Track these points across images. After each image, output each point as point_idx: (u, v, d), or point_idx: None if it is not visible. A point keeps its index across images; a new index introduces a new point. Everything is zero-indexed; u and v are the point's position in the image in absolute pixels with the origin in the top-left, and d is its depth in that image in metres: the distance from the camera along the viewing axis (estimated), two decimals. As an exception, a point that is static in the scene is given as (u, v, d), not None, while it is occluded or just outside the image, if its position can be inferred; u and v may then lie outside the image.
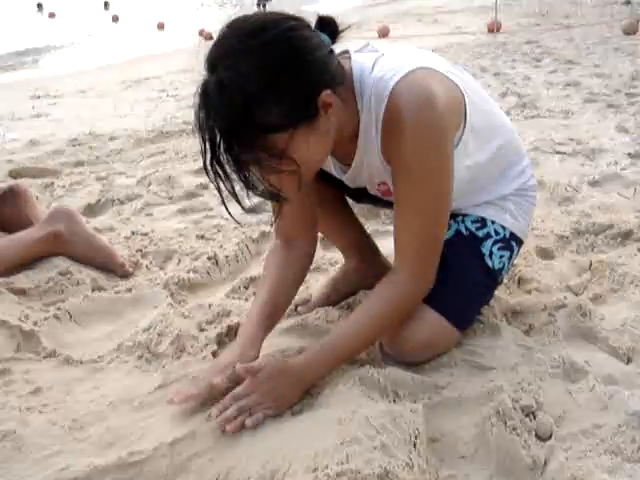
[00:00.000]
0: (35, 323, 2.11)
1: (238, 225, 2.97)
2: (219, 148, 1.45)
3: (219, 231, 2.94)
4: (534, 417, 1.53)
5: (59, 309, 2.19)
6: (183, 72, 9.05)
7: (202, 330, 2.09)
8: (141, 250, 2.73)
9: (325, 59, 1.53)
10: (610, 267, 2.26)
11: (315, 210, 1.96)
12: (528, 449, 1.42)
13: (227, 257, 2.58)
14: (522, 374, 1.68)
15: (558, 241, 2.60)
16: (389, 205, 1.93)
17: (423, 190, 1.63)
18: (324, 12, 1.63)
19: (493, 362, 1.76)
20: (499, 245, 1.91)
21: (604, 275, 2.24)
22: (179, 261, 2.63)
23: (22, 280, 2.35)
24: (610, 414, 1.52)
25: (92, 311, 2.22)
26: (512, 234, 1.94)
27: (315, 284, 2.33)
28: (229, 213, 1.63)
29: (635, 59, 7.17)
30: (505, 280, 2.18)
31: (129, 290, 2.36)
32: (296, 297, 2.18)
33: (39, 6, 35.19)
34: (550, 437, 1.49)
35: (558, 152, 3.93)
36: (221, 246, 2.72)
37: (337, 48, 1.62)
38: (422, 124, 1.57)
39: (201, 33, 14.86)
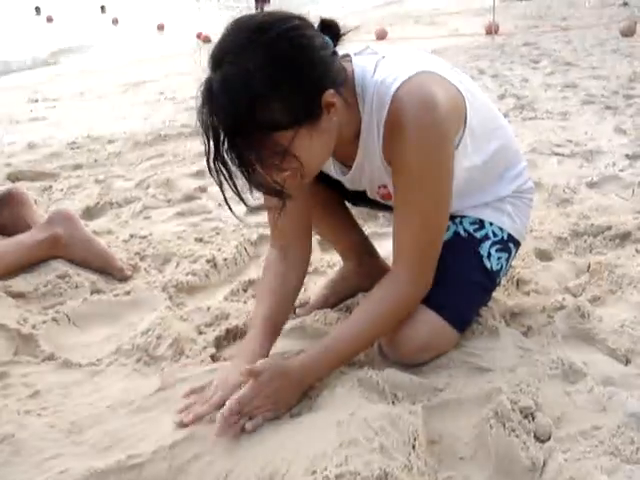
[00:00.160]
0: (33, 326, 2.10)
1: (238, 226, 2.98)
2: (223, 145, 1.45)
3: (217, 234, 2.94)
4: (533, 418, 1.53)
5: (58, 312, 2.19)
6: (181, 75, 9.05)
7: (201, 333, 2.09)
8: (139, 253, 2.73)
9: (328, 59, 1.53)
10: (608, 268, 2.26)
11: (309, 217, 1.96)
12: (527, 450, 1.42)
13: (226, 260, 2.58)
14: (521, 375, 1.68)
15: (556, 242, 2.60)
16: (386, 208, 1.94)
17: (424, 192, 1.63)
18: (326, 15, 1.63)
19: (492, 364, 1.76)
20: (497, 247, 1.91)
21: (602, 276, 2.24)
22: (177, 264, 2.63)
23: (20, 283, 2.35)
24: (609, 415, 1.52)
25: (91, 314, 2.22)
26: (510, 236, 1.94)
27: (313, 286, 2.33)
28: (231, 211, 1.63)
29: (633, 61, 7.18)
30: (503, 282, 2.19)
31: (128, 293, 2.36)
32: (294, 299, 2.19)
33: (37, 10, 35.18)
34: (549, 438, 1.49)
35: (556, 154, 3.93)
36: (219, 249, 2.72)
37: (337, 51, 1.63)
38: (424, 127, 1.57)
39: (199, 36, 14.87)
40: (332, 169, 1.88)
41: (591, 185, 3.32)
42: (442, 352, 1.81)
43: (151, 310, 2.22)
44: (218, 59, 1.45)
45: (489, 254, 1.89)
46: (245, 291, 2.38)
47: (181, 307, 2.28)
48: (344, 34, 1.61)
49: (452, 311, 1.81)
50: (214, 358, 1.94)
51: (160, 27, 20.08)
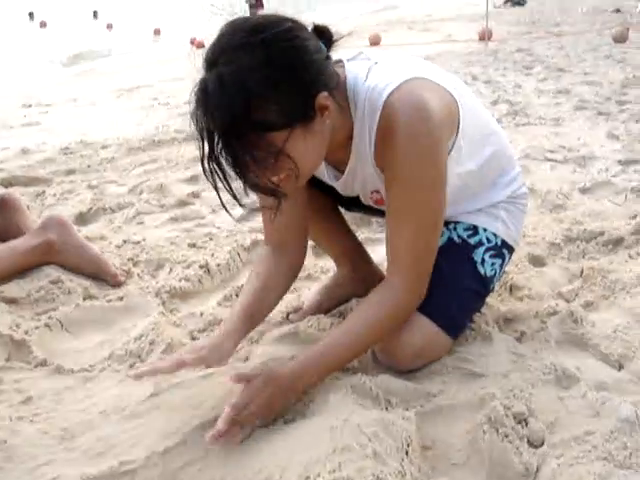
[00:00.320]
0: (26, 332, 2.10)
1: (231, 232, 2.98)
2: (217, 146, 1.45)
3: (211, 239, 2.94)
4: (526, 424, 1.53)
5: (50, 318, 2.18)
6: (175, 80, 9.05)
7: (194, 339, 2.09)
8: (133, 259, 2.72)
9: (322, 63, 1.54)
10: (601, 274, 2.27)
11: (305, 218, 1.95)
12: (520, 456, 1.42)
13: (219, 265, 2.58)
14: (514, 381, 1.68)
15: (549, 248, 2.61)
16: (380, 213, 1.94)
17: (417, 199, 1.63)
18: (319, 21, 1.63)
19: (485, 369, 1.76)
20: (491, 253, 1.91)
21: (595, 282, 2.25)
22: (171, 270, 2.62)
23: (13, 289, 2.34)
24: (602, 421, 1.52)
25: (83, 320, 2.22)
26: (504, 242, 1.94)
27: (307, 292, 2.33)
28: (227, 211, 1.64)
29: (625, 67, 7.21)
30: (497, 287, 2.19)
31: (120, 299, 2.35)
32: (288, 305, 2.19)
33: (30, 15, 35.17)
34: (542, 444, 1.49)
35: (549, 159, 3.94)
36: (213, 254, 2.72)
37: (331, 55, 1.63)
38: (416, 134, 1.57)
39: (193, 42, 14.87)
40: (325, 174, 1.88)
41: (584, 191, 3.32)
42: (435, 358, 1.81)
43: (144, 316, 2.21)
44: (212, 60, 1.45)
45: (483, 260, 1.90)
46: (238, 297, 2.37)
47: (174, 313, 2.28)
48: (337, 40, 1.61)
49: (446, 317, 1.81)
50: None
51: (156, 32, 20.07)
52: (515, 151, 3.99)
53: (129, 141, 5.07)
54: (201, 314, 2.22)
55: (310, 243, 2.67)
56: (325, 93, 1.51)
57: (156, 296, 2.35)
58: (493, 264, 1.91)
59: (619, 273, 2.27)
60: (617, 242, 2.57)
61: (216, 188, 1.51)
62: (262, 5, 19.84)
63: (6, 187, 3.84)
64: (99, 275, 2.51)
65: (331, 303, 2.18)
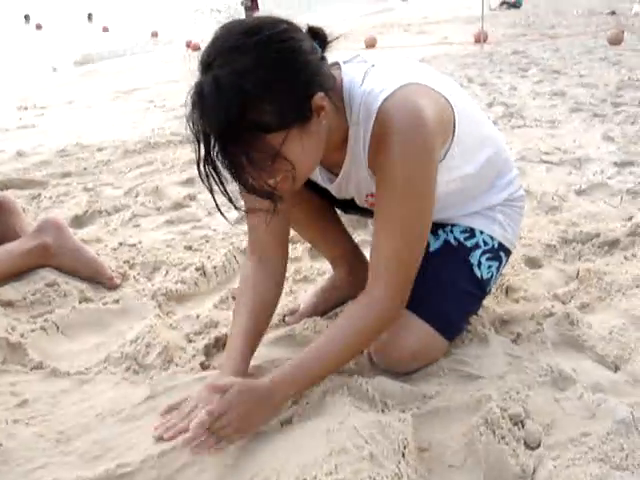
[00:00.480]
0: (22, 335, 2.09)
1: (227, 234, 2.98)
2: (213, 149, 1.45)
3: (207, 242, 2.94)
4: (522, 426, 1.53)
5: (46, 321, 2.18)
6: (171, 83, 9.04)
7: (190, 341, 2.09)
8: (129, 261, 2.72)
9: (317, 64, 1.53)
10: (597, 275, 2.27)
11: (288, 228, 1.94)
12: (517, 458, 1.42)
13: (215, 268, 2.58)
14: (510, 383, 1.68)
15: (545, 250, 2.61)
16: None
17: (406, 207, 1.61)
18: (313, 23, 1.63)
19: (481, 371, 1.76)
20: (487, 255, 1.91)
21: (591, 284, 2.25)
22: (167, 272, 2.62)
23: (9, 292, 2.34)
24: (598, 422, 1.52)
25: (79, 323, 2.21)
26: (500, 244, 1.94)
27: (303, 294, 2.33)
28: (222, 213, 1.63)
29: (620, 69, 7.22)
30: (493, 289, 2.19)
31: (116, 301, 2.35)
32: (284, 307, 2.19)
33: (26, 18, 35.12)
34: (539, 446, 1.49)
35: (545, 161, 3.94)
36: (209, 257, 2.72)
37: (326, 57, 1.63)
38: (409, 141, 1.56)
39: (188, 45, 14.86)
40: (319, 177, 1.87)
41: (580, 192, 3.33)
42: (432, 360, 1.81)
43: (140, 318, 2.21)
44: (208, 62, 1.45)
45: (479, 263, 1.90)
46: (234, 299, 2.37)
47: (170, 315, 2.28)
48: (331, 41, 1.61)
49: (442, 320, 1.81)
50: (203, 366, 1.93)
51: (154, 34, 20.03)
52: (511, 153, 4.00)
53: (125, 144, 5.07)
54: (197, 316, 2.22)
55: (306, 245, 2.68)
56: (321, 94, 1.51)
57: (152, 299, 2.35)
58: (490, 267, 1.91)
59: (615, 275, 2.27)
60: (613, 244, 2.58)
61: (212, 191, 1.51)
62: (257, 7, 19.84)
63: (2, 190, 3.83)
64: (95, 278, 2.51)
65: (327, 305, 2.18)
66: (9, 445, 1.56)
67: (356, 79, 1.65)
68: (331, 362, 1.64)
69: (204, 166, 1.48)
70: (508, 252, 2.00)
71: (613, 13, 15.38)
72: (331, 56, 1.63)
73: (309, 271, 2.54)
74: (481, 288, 1.93)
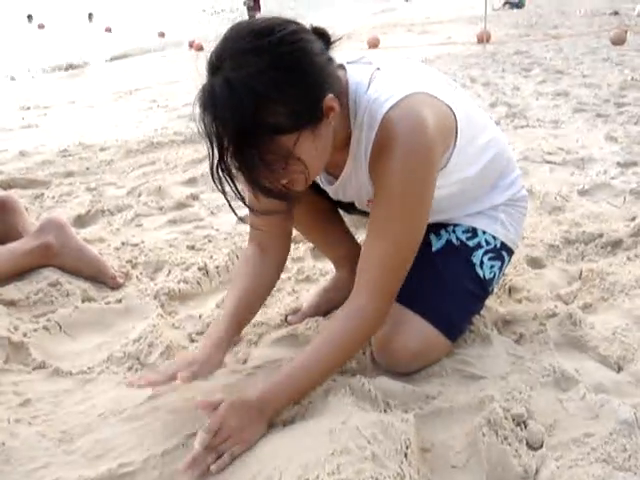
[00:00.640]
0: (24, 334, 2.09)
1: (230, 234, 2.98)
2: (227, 151, 1.44)
3: (209, 241, 2.94)
4: (525, 426, 1.53)
5: (49, 320, 2.18)
6: (174, 83, 9.06)
7: (192, 341, 2.09)
8: (131, 261, 2.72)
9: (327, 64, 1.53)
10: (600, 276, 2.27)
11: (291, 219, 1.95)
12: (519, 458, 1.42)
13: (217, 267, 2.58)
14: (513, 383, 1.68)
15: (548, 250, 2.61)
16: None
17: (400, 216, 1.61)
18: (316, 23, 1.62)
19: (484, 371, 1.76)
20: (490, 255, 1.91)
21: (594, 284, 2.25)
22: (169, 272, 2.62)
23: (11, 291, 2.34)
24: (601, 423, 1.52)
25: (82, 322, 2.21)
26: (503, 244, 1.94)
27: (306, 294, 2.33)
28: (235, 213, 1.64)
29: (624, 69, 7.21)
30: (496, 289, 2.19)
31: (119, 301, 2.35)
32: (287, 307, 2.19)
33: (29, 17, 35.17)
34: (541, 446, 1.48)
35: (548, 162, 3.94)
36: (211, 256, 2.72)
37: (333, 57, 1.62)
38: (411, 152, 1.56)
39: (191, 45, 14.87)
40: (318, 177, 1.87)
41: (583, 193, 3.32)
42: (434, 360, 1.81)
43: (143, 318, 2.21)
44: (218, 64, 1.44)
45: (482, 262, 1.89)
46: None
47: (173, 315, 2.28)
48: (335, 42, 1.61)
49: (444, 320, 1.80)
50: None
51: (161, 35, 20.02)
52: (514, 153, 4.00)
53: (128, 143, 5.07)
54: (200, 316, 2.22)
55: (309, 245, 2.68)
56: (331, 95, 1.51)
57: (155, 298, 2.35)
58: (492, 266, 1.91)
59: (618, 275, 2.27)
60: (616, 244, 2.57)
61: (224, 193, 1.50)
62: (259, 7, 19.85)
63: (5, 189, 3.84)
64: (98, 277, 2.51)
65: (330, 305, 2.18)
66: (11, 444, 1.56)
67: (362, 83, 1.65)
68: (319, 372, 1.63)
69: (217, 169, 1.47)
70: (511, 252, 1.99)
71: (616, 13, 15.38)
72: (334, 57, 1.63)
73: (312, 271, 2.54)
74: (483, 288, 1.92)
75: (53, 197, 3.74)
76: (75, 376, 1.92)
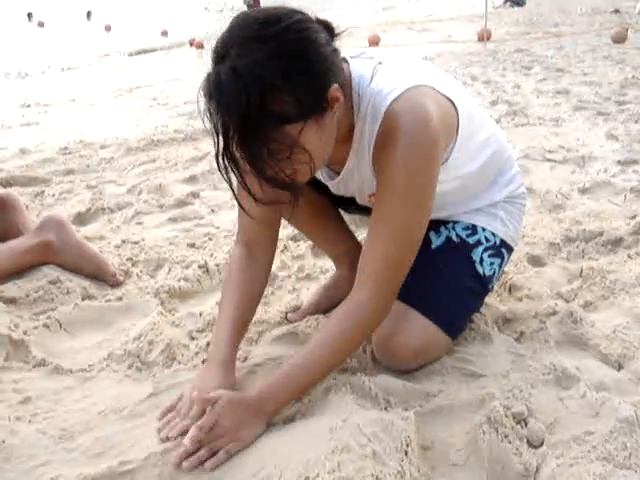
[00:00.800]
0: (25, 332, 2.10)
1: (230, 232, 2.98)
2: (232, 139, 1.43)
3: (210, 239, 2.94)
4: (526, 424, 1.53)
5: (49, 318, 2.18)
6: (174, 81, 9.05)
7: (193, 339, 2.09)
8: (132, 259, 2.72)
9: (332, 54, 1.53)
10: (601, 274, 2.27)
11: (279, 216, 1.94)
12: (520, 456, 1.42)
13: (218, 265, 2.58)
14: (513, 381, 1.68)
15: (549, 248, 2.61)
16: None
17: (403, 209, 1.60)
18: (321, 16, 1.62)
19: (484, 369, 1.76)
20: (490, 252, 1.91)
21: (595, 282, 2.25)
22: (170, 269, 2.62)
23: (12, 289, 2.34)
24: (601, 421, 1.52)
25: (82, 320, 2.21)
26: (502, 241, 1.94)
27: (306, 292, 2.33)
28: (240, 206, 1.64)
29: (624, 67, 7.21)
30: (496, 287, 2.19)
31: (119, 299, 2.35)
32: (287, 305, 2.19)
33: (29, 15, 35.11)
34: (542, 444, 1.49)
35: (548, 160, 3.94)
36: (212, 254, 2.72)
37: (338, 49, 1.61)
38: (415, 145, 1.56)
39: (191, 43, 14.85)
40: (320, 172, 1.87)
41: (583, 191, 3.32)
42: (435, 358, 1.81)
43: (143, 316, 2.21)
44: (223, 53, 1.43)
45: (482, 259, 1.89)
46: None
47: (173, 313, 2.28)
48: (339, 34, 1.60)
49: (445, 317, 1.80)
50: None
51: (164, 33, 19.95)
52: (514, 151, 3.99)
53: (128, 141, 5.07)
54: (200, 314, 2.22)
55: (310, 243, 2.68)
56: (336, 85, 1.50)
57: (155, 296, 2.35)
58: (492, 263, 1.91)
59: (618, 273, 2.27)
60: (616, 242, 2.57)
61: (229, 182, 1.50)
62: (259, 5, 19.84)
63: (5, 187, 3.83)
64: (98, 275, 2.51)
65: (330, 303, 2.17)
66: (12, 442, 1.56)
67: (365, 76, 1.65)
68: (318, 369, 1.62)
69: (223, 158, 1.46)
70: (510, 249, 2.00)
71: (617, 11, 15.36)
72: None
73: (312, 269, 2.54)
74: (483, 285, 1.92)
75: (53, 195, 3.74)
76: (75, 374, 1.92)
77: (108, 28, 24.06)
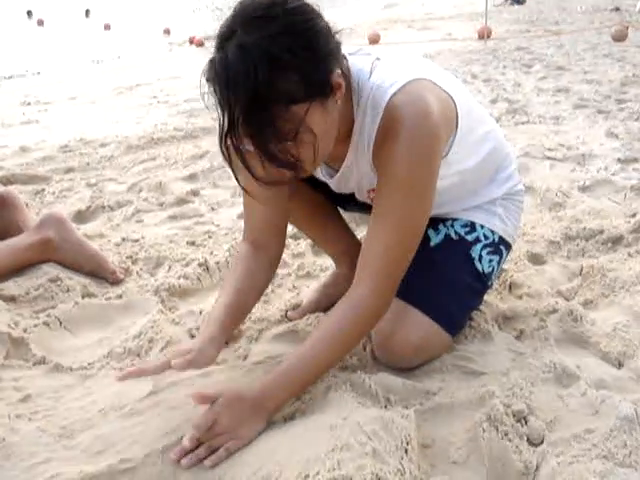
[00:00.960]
0: (25, 330, 2.10)
1: (230, 229, 2.98)
2: (238, 120, 1.41)
3: (210, 237, 2.94)
4: (526, 422, 1.53)
5: (49, 316, 2.18)
6: (174, 78, 9.05)
7: (193, 336, 2.09)
8: (132, 256, 2.72)
9: (334, 42, 1.52)
10: (601, 272, 2.27)
11: (286, 216, 1.93)
12: (520, 454, 1.42)
13: (217, 263, 2.58)
14: (514, 379, 1.68)
15: (549, 246, 2.61)
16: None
17: (405, 201, 1.60)
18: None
19: (485, 367, 1.76)
20: (488, 249, 1.91)
21: (595, 280, 2.25)
22: (169, 267, 2.62)
23: (11, 287, 2.34)
24: (602, 419, 1.51)
25: (82, 318, 2.21)
26: (501, 238, 1.95)
27: (306, 290, 2.33)
28: (243, 188, 1.64)
29: (625, 65, 7.21)
30: (496, 285, 2.19)
31: (119, 297, 2.36)
32: (287, 303, 2.18)
33: (29, 13, 35.08)
34: (542, 442, 1.48)
35: (548, 158, 3.94)
36: (211, 252, 2.72)
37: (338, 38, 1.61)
38: (416, 137, 1.56)
39: (192, 41, 14.84)
40: (319, 170, 1.87)
41: (583, 189, 3.33)
42: (435, 355, 1.81)
43: (143, 314, 2.21)
44: (229, 35, 1.41)
45: (480, 257, 1.90)
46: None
47: (173, 311, 2.28)
48: (337, 32, 1.59)
49: (444, 314, 1.81)
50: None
51: (166, 32, 19.91)
52: (514, 149, 4.00)
53: (128, 139, 5.07)
54: (200, 312, 2.22)
55: (310, 241, 2.68)
56: (339, 71, 1.50)
57: (155, 294, 2.35)
58: (491, 260, 1.91)
59: (618, 271, 2.27)
60: (616, 240, 2.57)
61: (230, 163, 1.49)
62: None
63: (5, 185, 3.82)
64: (98, 272, 2.51)
65: (330, 301, 2.17)
66: (12, 440, 1.56)
67: (364, 71, 1.65)
68: (320, 365, 1.62)
69: (227, 137, 1.44)
70: (508, 246, 2.00)
71: (617, 9, 15.36)
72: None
73: (312, 267, 2.54)
74: (482, 282, 1.92)
75: (53, 193, 3.74)
76: (75, 372, 1.92)
77: (107, 27, 24.03)
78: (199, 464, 1.44)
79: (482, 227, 1.92)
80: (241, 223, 2.94)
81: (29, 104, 7.54)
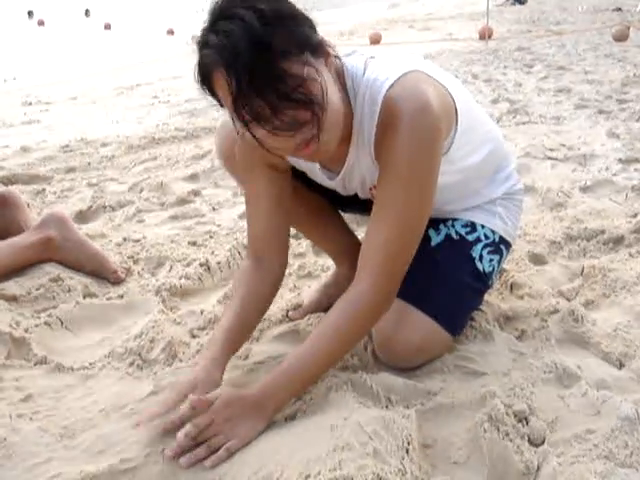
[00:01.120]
0: (26, 330, 2.10)
1: (231, 230, 2.98)
2: (244, 84, 1.37)
3: (211, 237, 2.94)
4: (527, 422, 1.53)
5: (50, 316, 2.18)
6: (176, 78, 9.05)
7: (194, 337, 2.09)
8: (133, 257, 2.72)
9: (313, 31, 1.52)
10: (602, 272, 2.27)
11: (288, 230, 1.93)
12: (521, 454, 1.41)
13: (219, 263, 2.58)
14: (515, 379, 1.68)
15: (550, 246, 2.60)
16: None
17: (407, 194, 1.59)
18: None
19: (486, 368, 1.76)
20: (489, 249, 1.91)
21: (596, 280, 2.25)
22: (171, 267, 2.62)
23: (13, 286, 2.34)
24: (603, 419, 1.51)
25: (83, 318, 2.21)
26: (501, 238, 1.95)
27: (307, 290, 2.33)
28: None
29: (626, 65, 7.21)
30: (497, 285, 2.19)
31: (121, 297, 2.36)
32: (288, 303, 2.18)
33: (29, 14, 35.10)
34: (543, 442, 1.48)
35: (550, 158, 3.94)
36: (213, 252, 2.72)
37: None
38: (417, 128, 1.55)
39: (193, 39, 14.83)
40: (319, 176, 1.86)
41: (584, 189, 3.33)
42: (436, 355, 1.81)
43: (144, 314, 2.21)
44: (219, 12, 1.42)
45: (481, 256, 1.90)
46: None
47: (174, 311, 2.28)
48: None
49: (445, 314, 1.80)
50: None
51: (170, 32, 19.89)
52: (515, 149, 4.00)
53: (129, 139, 5.08)
54: (201, 312, 2.22)
55: (310, 242, 2.68)
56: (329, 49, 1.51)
57: (156, 294, 2.35)
58: (491, 260, 1.91)
59: (620, 272, 2.27)
60: (618, 241, 2.57)
61: (247, 126, 1.44)
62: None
63: (6, 185, 3.84)
64: (99, 272, 2.51)
65: (331, 301, 2.16)
66: (13, 440, 1.56)
67: (358, 68, 1.64)
68: (319, 363, 1.61)
69: (237, 102, 1.40)
70: (509, 245, 2.00)
71: (618, 9, 15.37)
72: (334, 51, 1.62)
73: (313, 267, 2.54)
74: (483, 282, 1.92)
75: (55, 193, 3.74)
76: (77, 372, 1.92)
77: (108, 26, 24.04)
78: (199, 464, 1.44)
79: (483, 227, 1.92)
80: (242, 223, 2.97)
81: (30, 104, 7.55)
